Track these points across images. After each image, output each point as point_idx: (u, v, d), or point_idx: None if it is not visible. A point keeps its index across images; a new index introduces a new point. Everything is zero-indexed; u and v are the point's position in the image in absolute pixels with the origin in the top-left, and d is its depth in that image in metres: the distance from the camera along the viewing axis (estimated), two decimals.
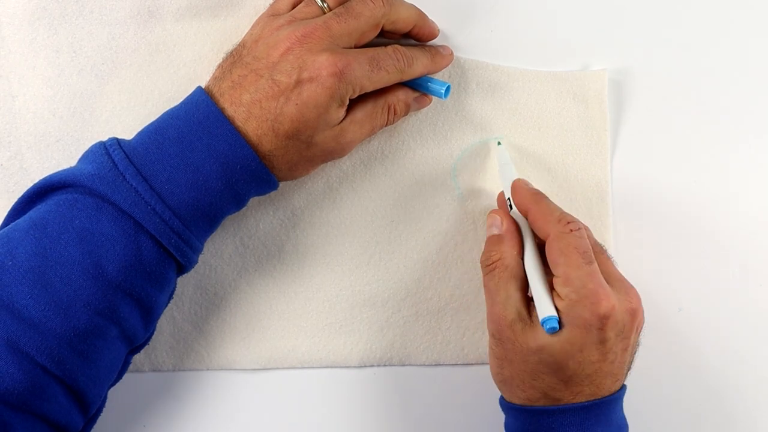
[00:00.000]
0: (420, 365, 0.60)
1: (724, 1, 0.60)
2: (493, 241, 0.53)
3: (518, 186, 0.54)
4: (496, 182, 0.59)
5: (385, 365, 0.60)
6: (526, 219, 0.53)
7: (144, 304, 0.49)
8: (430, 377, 0.60)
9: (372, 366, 0.60)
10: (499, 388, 0.54)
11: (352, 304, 0.60)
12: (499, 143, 0.59)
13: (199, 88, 0.52)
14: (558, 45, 0.60)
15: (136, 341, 0.51)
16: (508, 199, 0.55)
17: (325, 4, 0.53)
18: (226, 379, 0.60)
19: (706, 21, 0.60)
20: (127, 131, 0.53)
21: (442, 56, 0.57)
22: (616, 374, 0.51)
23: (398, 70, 0.53)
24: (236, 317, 0.59)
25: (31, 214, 0.49)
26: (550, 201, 0.53)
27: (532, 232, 0.53)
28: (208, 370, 0.60)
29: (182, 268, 0.52)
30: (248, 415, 0.60)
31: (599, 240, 0.56)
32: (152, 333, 0.53)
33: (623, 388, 0.53)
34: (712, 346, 0.60)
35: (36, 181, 0.51)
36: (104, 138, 0.51)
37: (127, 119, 0.58)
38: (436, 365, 0.60)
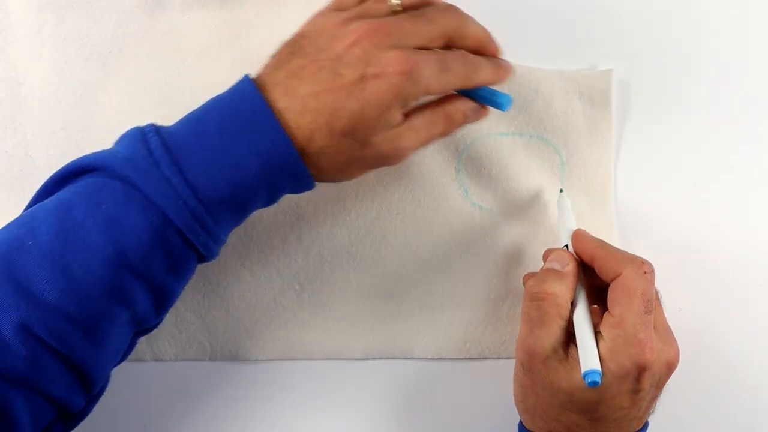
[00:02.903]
0: (422, 359, 0.60)
1: (731, 2, 0.60)
2: (551, 275, 0.52)
3: (583, 234, 0.53)
4: (501, 177, 0.59)
5: (387, 358, 0.60)
6: (591, 265, 0.52)
7: (161, 291, 0.48)
8: (432, 371, 0.60)
9: (374, 359, 0.60)
10: (520, 415, 0.54)
11: (355, 296, 0.60)
12: (561, 190, 0.58)
13: (247, 77, 0.48)
14: (564, 45, 0.60)
15: (145, 325, 0.50)
16: (566, 246, 0.54)
17: (398, 3, 0.50)
18: (228, 370, 0.60)
19: (714, 21, 0.60)
20: (133, 120, 0.53)
21: (506, 69, 0.53)
22: (641, 417, 0.51)
23: (464, 75, 0.50)
24: (239, 308, 0.59)
25: (59, 194, 0.47)
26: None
27: (585, 283, 0.52)
28: (210, 360, 0.60)
29: (203, 259, 0.50)
30: (250, 405, 0.60)
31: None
32: (162, 319, 0.52)
33: (646, 425, 0.52)
34: (712, 347, 0.60)
35: (41, 168, 0.50)
36: (110, 126, 0.51)
37: (133, 108, 0.58)
38: (438, 359, 0.60)
